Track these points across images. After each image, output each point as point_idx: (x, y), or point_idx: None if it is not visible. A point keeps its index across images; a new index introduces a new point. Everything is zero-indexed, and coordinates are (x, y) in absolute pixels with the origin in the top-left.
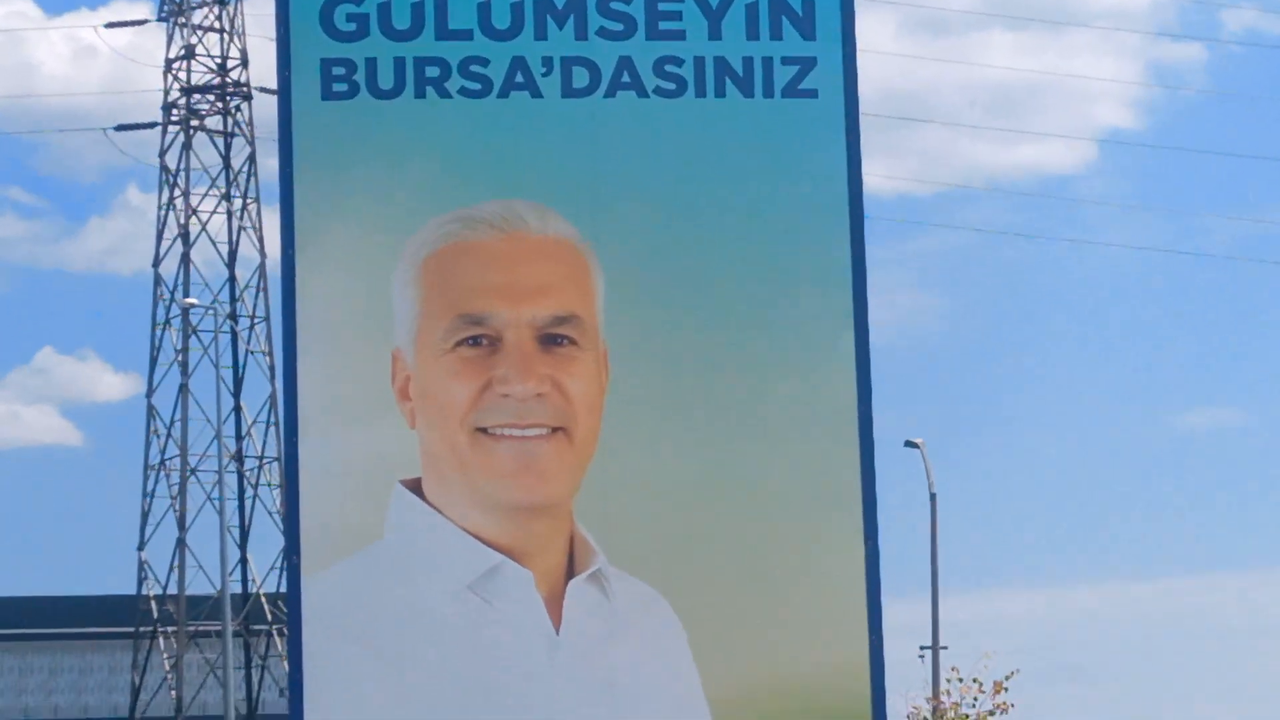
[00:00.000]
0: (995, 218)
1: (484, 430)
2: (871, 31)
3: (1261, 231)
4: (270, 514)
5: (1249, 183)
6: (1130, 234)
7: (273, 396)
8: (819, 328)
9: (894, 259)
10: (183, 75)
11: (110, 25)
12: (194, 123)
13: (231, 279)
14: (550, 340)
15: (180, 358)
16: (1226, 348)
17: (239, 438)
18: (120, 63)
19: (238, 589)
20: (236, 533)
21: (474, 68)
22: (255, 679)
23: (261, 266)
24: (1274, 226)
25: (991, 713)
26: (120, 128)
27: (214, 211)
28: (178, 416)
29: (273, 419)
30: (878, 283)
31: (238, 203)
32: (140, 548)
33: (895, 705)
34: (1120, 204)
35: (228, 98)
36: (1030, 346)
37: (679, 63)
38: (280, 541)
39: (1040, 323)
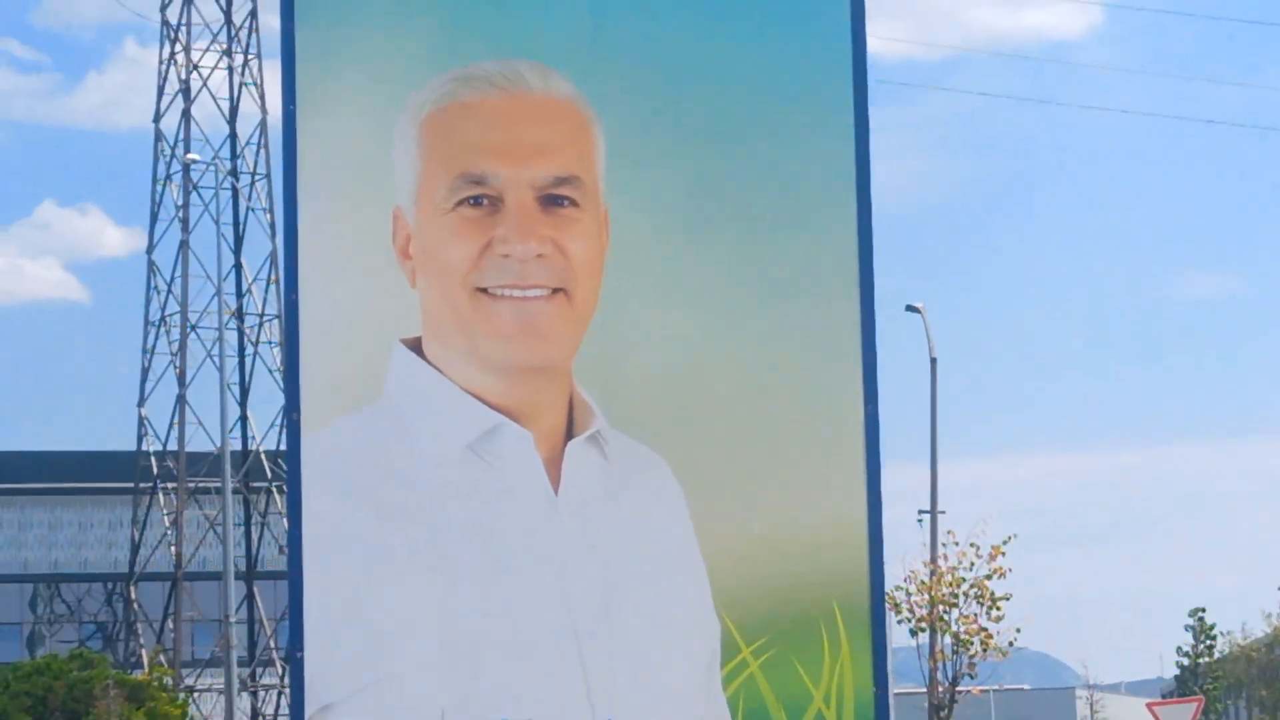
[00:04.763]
0: (1000, 82)
1: (484, 290)
2: None
3: (1268, 98)
4: (270, 371)
5: (1256, 50)
6: (1135, 99)
7: (273, 254)
8: (821, 189)
9: (898, 123)
10: None
11: None
12: None
13: (233, 135)
14: (551, 201)
15: (181, 214)
16: (1229, 215)
17: (239, 294)
18: None
19: (238, 446)
20: (236, 390)
21: None
22: (255, 536)
23: (263, 123)
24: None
25: (988, 577)
26: None
27: (215, 67)
28: (178, 273)
29: (273, 276)
30: (881, 147)
31: (239, 58)
32: (141, 404)
33: (893, 569)
34: (1126, 69)
35: None
36: (1033, 213)
37: None
38: (280, 399)
39: (1043, 188)
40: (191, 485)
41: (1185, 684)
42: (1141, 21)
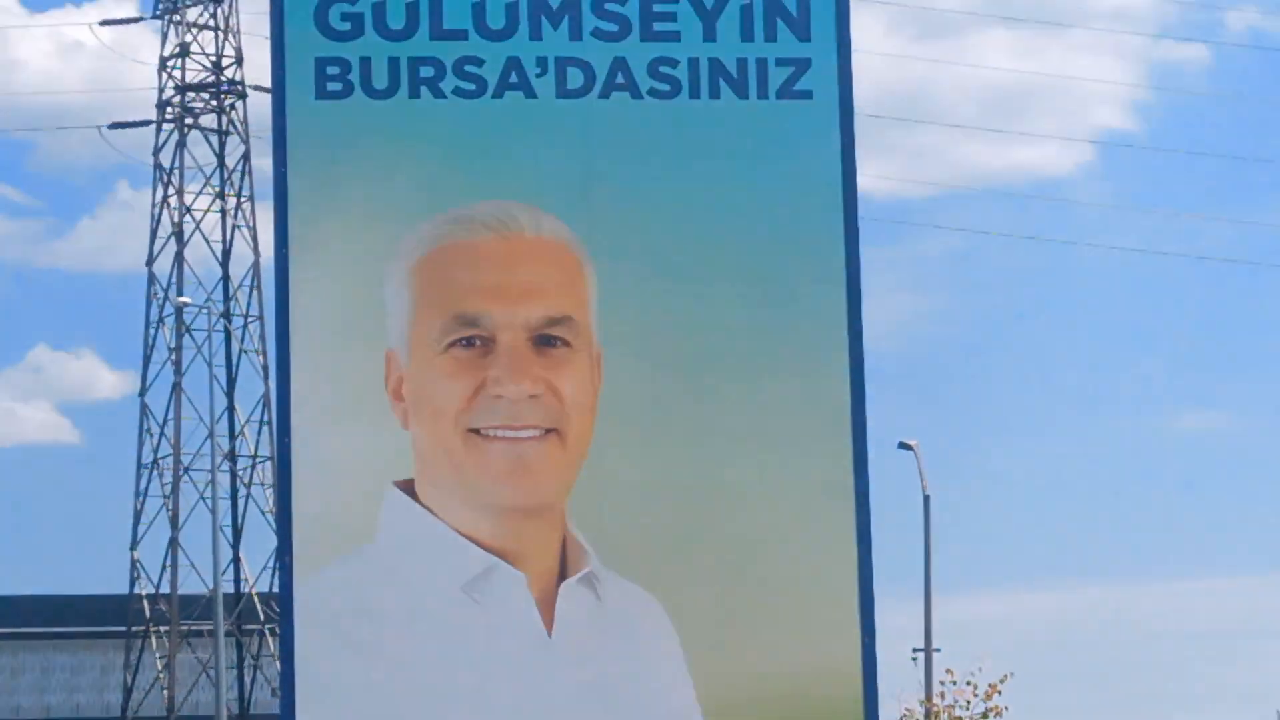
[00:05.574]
0: (990, 220)
1: (477, 431)
2: (867, 30)
3: (1257, 234)
4: (263, 514)
5: (1245, 185)
6: (1125, 237)
7: (266, 396)
8: (813, 329)
9: (888, 261)
10: (177, 73)
11: (104, 23)
12: (188, 121)
13: (225, 277)
14: (544, 341)
15: (174, 356)
16: (1222, 351)
17: (232, 437)
18: (104, 60)
19: (230, 589)
20: (229, 532)
21: (468, 68)
22: (248, 679)
23: (255, 265)
24: (1270, 229)
25: (985, 715)
26: (115, 125)
27: (208, 210)
28: (171, 415)
29: (266, 418)
30: (872, 284)
31: (232, 201)
32: (133, 547)
33: (888, 707)
34: (1116, 206)
35: (222, 96)
36: (1024, 349)
37: (673, 64)
38: (273, 541)
39: (1034, 325)
40: (184, 628)
41: None
42: (1132, 158)
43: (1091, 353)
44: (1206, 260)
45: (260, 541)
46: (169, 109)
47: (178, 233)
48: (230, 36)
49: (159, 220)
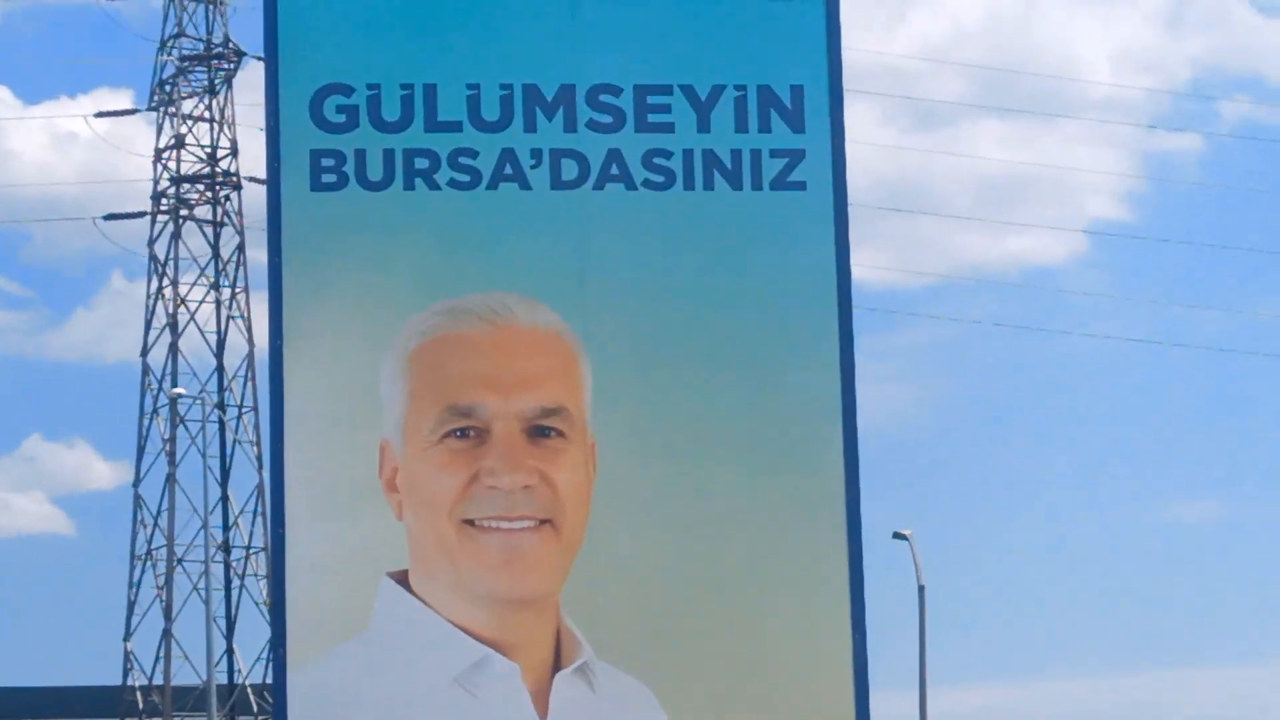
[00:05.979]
0: (983, 309)
1: (471, 522)
2: (860, 121)
3: (1250, 324)
4: (257, 605)
5: (1238, 275)
6: (1119, 326)
7: (260, 486)
8: (807, 419)
9: (882, 350)
10: (172, 165)
11: (100, 114)
12: (183, 212)
13: (220, 368)
14: (538, 432)
15: (168, 447)
16: (1215, 440)
17: (226, 528)
18: (98, 151)
19: (224, 680)
20: (223, 623)
21: (463, 159)
22: None
23: (250, 356)
24: (1262, 319)
25: None
26: (109, 217)
27: (202, 301)
28: (165, 506)
29: (260, 509)
30: (865, 374)
31: (226, 292)
32: (126, 638)
33: None
34: (1108, 296)
35: (217, 187)
36: (1017, 439)
37: (668, 155)
38: (266, 632)
39: (1028, 415)
40: None
41: None
42: (1125, 248)
43: (1085, 442)
44: (1199, 349)
45: (254, 632)
46: (164, 200)
47: (172, 324)
48: (225, 128)
49: (153, 311)
